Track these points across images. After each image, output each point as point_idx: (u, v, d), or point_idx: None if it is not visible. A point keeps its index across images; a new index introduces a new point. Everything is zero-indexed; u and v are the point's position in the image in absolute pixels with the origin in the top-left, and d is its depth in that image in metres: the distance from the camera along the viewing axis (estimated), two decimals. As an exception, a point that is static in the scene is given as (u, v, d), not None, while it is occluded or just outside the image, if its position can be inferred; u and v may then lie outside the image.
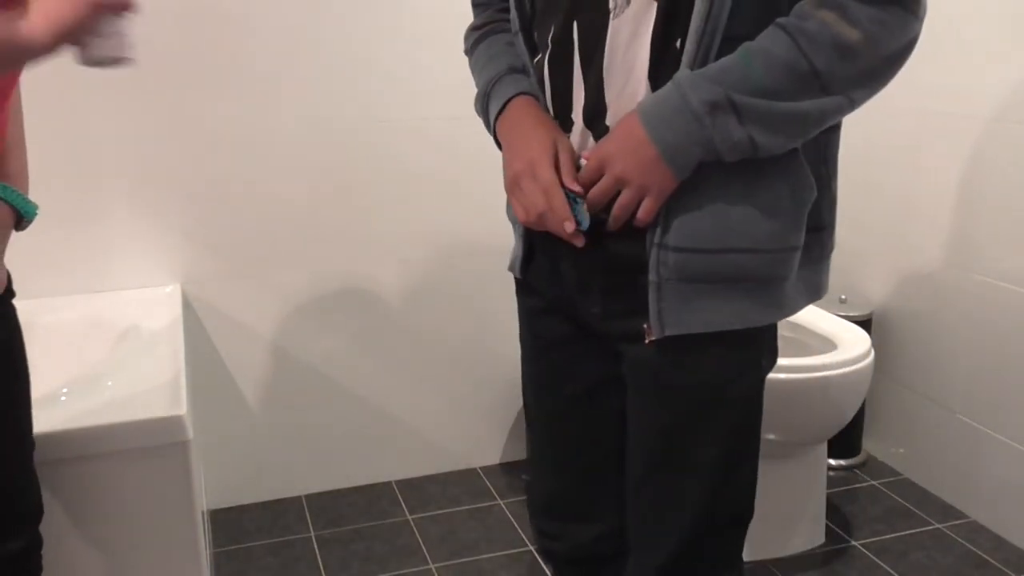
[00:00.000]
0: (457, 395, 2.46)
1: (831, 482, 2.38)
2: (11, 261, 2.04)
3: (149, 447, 1.48)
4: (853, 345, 1.98)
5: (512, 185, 1.13)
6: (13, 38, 0.93)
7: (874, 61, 1.00)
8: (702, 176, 1.04)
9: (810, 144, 1.07)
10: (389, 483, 2.45)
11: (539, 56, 1.17)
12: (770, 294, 1.07)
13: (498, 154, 2.05)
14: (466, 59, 2.33)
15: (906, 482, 2.40)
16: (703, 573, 1.18)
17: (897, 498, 2.33)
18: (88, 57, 1.02)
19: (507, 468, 2.51)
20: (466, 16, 2.22)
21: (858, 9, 0.98)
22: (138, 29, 2.15)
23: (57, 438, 1.44)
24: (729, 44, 1.01)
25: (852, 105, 1.03)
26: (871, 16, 0.98)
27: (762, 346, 1.12)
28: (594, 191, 1.06)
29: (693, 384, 1.11)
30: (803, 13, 1.00)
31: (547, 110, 1.16)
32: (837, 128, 1.13)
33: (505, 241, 2.36)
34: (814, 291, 1.14)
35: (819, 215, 1.11)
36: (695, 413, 1.12)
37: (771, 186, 1.05)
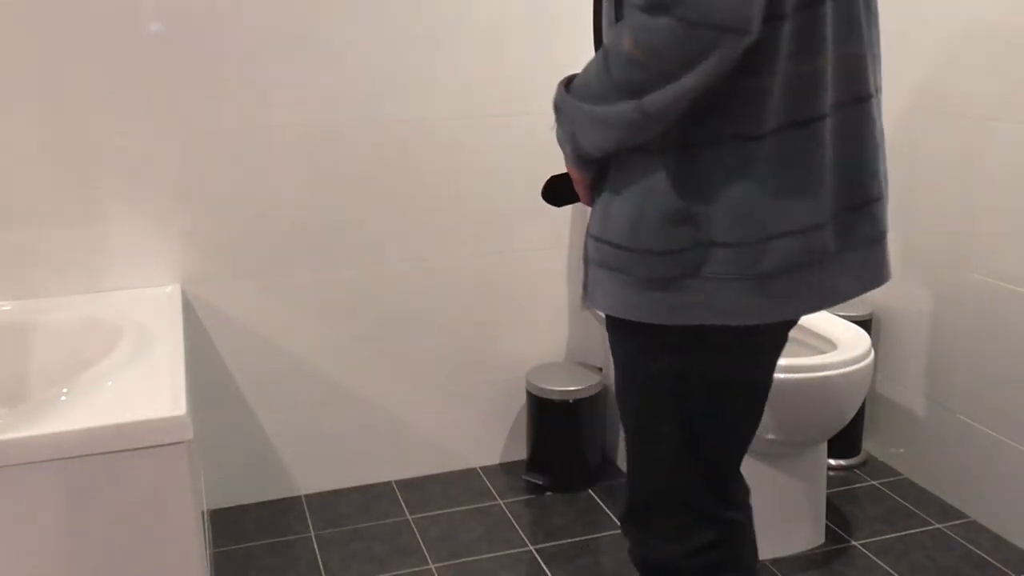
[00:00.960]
0: (457, 395, 2.46)
1: (831, 482, 2.38)
2: (11, 261, 2.05)
3: (149, 447, 1.48)
4: (853, 345, 1.98)
5: None
6: None
7: (654, 70, 1.00)
8: (608, 170, 1.14)
9: (694, 160, 1.08)
10: (389, 483, 2.45)
11: None
12: (650, 292, 1.11)
13: (498, 156, 2.07)
14: (469, 60, 2.37)
15: (906, 482, 2.41)
16: (638, 530, 1.28)
17: (897, 498, 2.33)
18: None
19: (507, 468, 2.51)
20: (469, 17, 2.23)
21: (636, 18, 0.99)
22: (139, 29, 2.18)
23: (57, 438, 1.44)
24: None
25: (647, 115, 1.03)
26: (645, 24, 0.98)
27: (666, 338, 1.14)
28: None
29: (615, 357, 1.25)
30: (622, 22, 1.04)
31: None
32: (732, 146, 1.07)
33: (505, 241, 2.37)
34: (697, 311, 1.10)
35: (708, 230, 1.08)
36: (617, 382, 1.26)
37: (634, 188, 1.10)
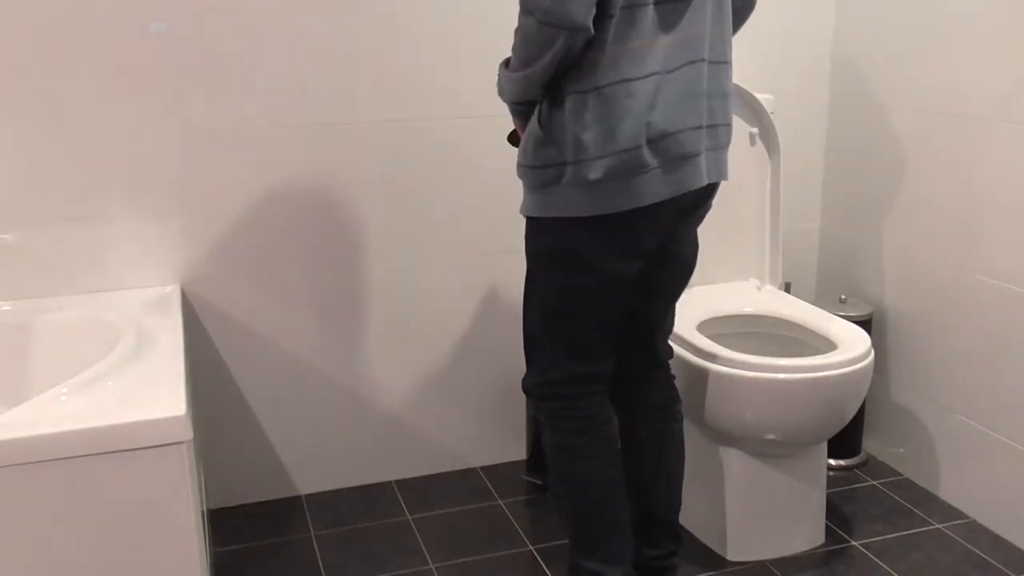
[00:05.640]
0: (457, 395, 2.46)
1: (831, 482, 2.38)
2: (12, 261, 2.05)
3: (149, 447, 1.48)
4: (853, 345, 1.98)
5: None
6: None
7: (531, 51, 1.51)
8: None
9: (552, 107, 1.56)
10: (389, 483, 2.45)
11: None
12: (533, 194, 1.63)
13: (498, 155, 2.08)
14: (465, 62, 2.39)
15: (906, 482, 2.41)
16: (527, 362, 1.79)
17: (897, 498, 2.33)
18: None
19: (507, 468, 2.51)
20: (469, 17, 2.23)
21: (520, 19, 1.50)
22: (138, 29, 2.17)
23: (57, 438, 1.44)
24: None
25: (529, 78, 1.55)
26: (523, 23, 1.50)
27: (543, 227, 1.65)
28: None
29: (526, 244, 1.72)
30: None
31: None
32: (574, 97, 1.53)
33: (506, 241, 2.36)
34: (556, 207, 1.60)
35: (558, 152, 1.56)
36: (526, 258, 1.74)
37: (529, 126, 1.62)
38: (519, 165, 1.64)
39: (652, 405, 1.86)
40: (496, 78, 1.66)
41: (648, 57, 1.53)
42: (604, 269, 1.64)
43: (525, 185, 1.65)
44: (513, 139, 1.77)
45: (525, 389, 1.80)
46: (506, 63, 1.62)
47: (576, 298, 1.68)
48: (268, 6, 2.10)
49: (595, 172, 1.53)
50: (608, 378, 1.77)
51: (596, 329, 1.71)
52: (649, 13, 1.52)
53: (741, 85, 2.27)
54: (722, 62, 1.64)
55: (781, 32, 2.49)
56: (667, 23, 1.54)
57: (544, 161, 1.58)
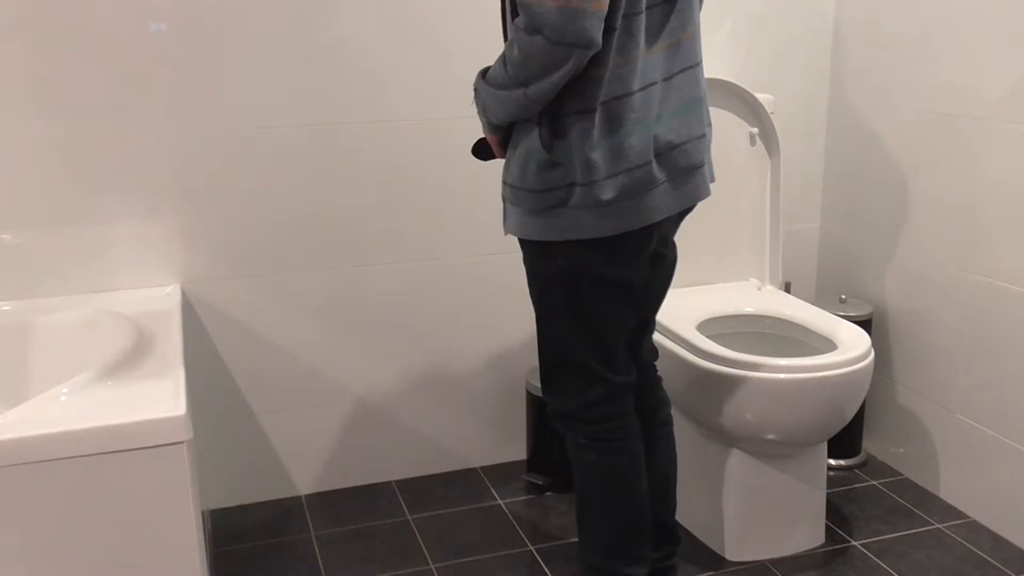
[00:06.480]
0: (457, 395, 2.46)
1: (831, 482, 2.38)
2: (12, 261, 2.05)
3: (149, 447, 1.48)
4: (853, 345, 1.98)
5: None
6: None
7: (533, 70, 1.42)
8: (513, 133, 1.56)
9: (556, 127, 1.49)
10: (389, 483, 2.45)
11: None
12: (534, 218, 1.54)
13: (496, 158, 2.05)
14: (462, 61, 2.39)
15: (906, 482, 2.41)
16: (550, 391, 1.73)
17: (897, 498, 2.33)
18: None
19: (507, 468, 2.51)
20: (469, 17, 2.23)
21: (520, 36, 1.41)
22: (138, 29, 2.18)
23: (57, 438, 1.44)
24: None
25: (529, 99, 1.45)
26: (526, 40, 1.40)
27: (553, 250, 1.57)
28: None
29: (524, 263, 1.66)
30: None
31: None
32: (579, 116, 1.47)
33: (506, 241, 2.36)
34: (564, 230, 1.53)
35: (565, 174, 1.50)
36: (528, 283, 1.68)
37: (521, 144, 1.53)
38: (512, 186, 1.56)
39: (645, 410, 1.83)
40: (473, 92, 1.58)
41: (647, 67, 1.50)
42: (618, 279, 1.61)
43: (521, 208, 1.56)
44: (479, 152, 1.69)
45: (560, 416, 1.73)
46: (483, 74, 1.55)
47: (602, 308, 1.63)
48: (268, 7, 2.10)
49: (607, 192, 1.49)
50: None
51: (620, 337, 1.68)
52: (643, 21, 1.48)
53: (741, 85, 2.27)
54: (701, 63, 1.62)
55: (781, 32, 2.49)
56: (659, 28, 1.51)
57: (550, 184, 1.50)
